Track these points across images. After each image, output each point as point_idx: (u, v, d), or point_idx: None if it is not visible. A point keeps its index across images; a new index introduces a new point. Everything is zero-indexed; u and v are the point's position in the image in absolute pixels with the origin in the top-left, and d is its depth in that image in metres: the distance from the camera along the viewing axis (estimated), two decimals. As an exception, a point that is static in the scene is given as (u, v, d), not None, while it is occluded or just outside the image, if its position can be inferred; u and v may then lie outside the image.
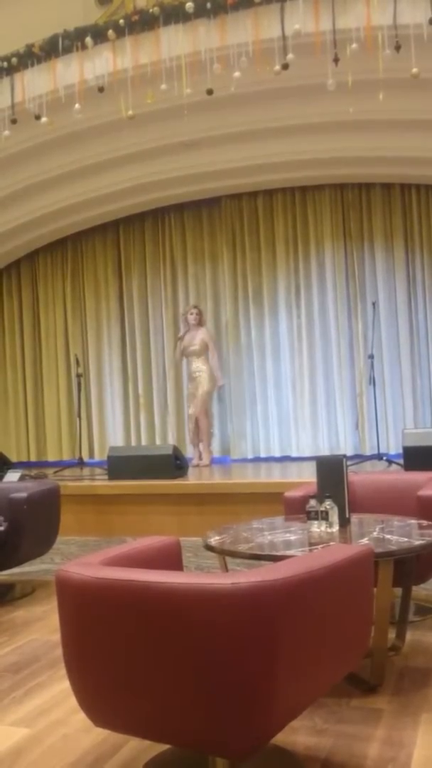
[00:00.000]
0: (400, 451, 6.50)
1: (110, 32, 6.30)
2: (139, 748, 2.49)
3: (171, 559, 2.71)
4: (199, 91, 6.06)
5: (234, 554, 3.14)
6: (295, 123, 6.97)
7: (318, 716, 2.64)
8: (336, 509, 3.30)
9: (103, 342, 9.45)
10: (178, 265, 9.16)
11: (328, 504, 3.29)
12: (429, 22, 5.50)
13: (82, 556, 2.45)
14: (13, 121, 6.60)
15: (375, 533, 3.25)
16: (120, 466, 6.87)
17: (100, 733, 2.58)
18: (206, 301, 8.96)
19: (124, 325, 9.38)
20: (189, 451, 8.24)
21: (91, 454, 9.27)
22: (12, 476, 6.45)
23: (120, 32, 6.29)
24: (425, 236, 8.26)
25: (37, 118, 6.51)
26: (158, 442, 8.93)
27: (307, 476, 5.86)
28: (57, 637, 3.54)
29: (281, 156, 7.58)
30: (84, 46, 6.40)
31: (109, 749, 2.50)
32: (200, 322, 8.08)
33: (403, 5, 5.62)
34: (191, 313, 8.06)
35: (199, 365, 7.98)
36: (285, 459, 8.45)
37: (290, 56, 5.72)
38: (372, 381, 7.50)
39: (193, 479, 6.78)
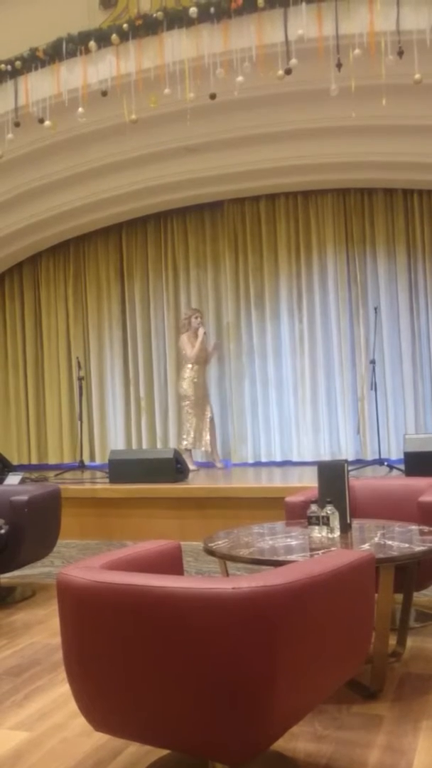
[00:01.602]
0: (402, 456, 6.49)
1: (114, 36, 6.32)
2: (138, 753, 2.48)
3: (172, 563, 2.71)
4: (202, 95, 6.08)
5: (235, 559, 3.13)
6: (298, 128, 6.98)
7: (318, 722, 2.64)
8: (337, 514, 3.29)
9: (104, 345, 9.45)
10: (180, 269, 9.16)
11: (329, 509, 3.28)
12: None
13: (82, 560, 2.45)
14: (17, 125, 6.61)
15: (376, 539, 3.25)
16: (121, 469, 6.87)
17: (100, 738, 2.57)
18: (208, 304, 8.96)
19: (126, 328, 9.39)
20: (197, 456, 8.38)
21: (92, 457, 9.27)
22: (13, 479, 6.44)
23: (124, 36, 6.30)
24: (427, 241, 8.26)
25: (41, 121, 6.53)
26: (159, 445, 8.92)
27: (308, 481, 5.85)
28: (57, 640, 3.54)
29: (284, 161, 7.59)
30: (88, 50, 6.42)
31: (108, 754, 2.50)
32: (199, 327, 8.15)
33: (406, 11, 5.64)
34: (195, 318, 8.08)
35: (204, 370, 8.05)
36: (286, 463, 8.44)
37: (293, 61, 5.74)
38: (373, 386, 7.50)
39: (194, 483, 6.77)
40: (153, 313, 9.27)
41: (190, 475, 7.09)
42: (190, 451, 7.91)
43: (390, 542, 3.15)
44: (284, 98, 6.52)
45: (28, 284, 9.81)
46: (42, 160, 7.46)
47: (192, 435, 7.95)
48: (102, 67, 6.42)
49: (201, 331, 7.99)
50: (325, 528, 3.28)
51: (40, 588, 4.82)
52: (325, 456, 8.16)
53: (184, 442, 7.96)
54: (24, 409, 9.73)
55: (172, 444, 8.67)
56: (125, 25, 6.30)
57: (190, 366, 8.01)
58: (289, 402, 8.60)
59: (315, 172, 7.90)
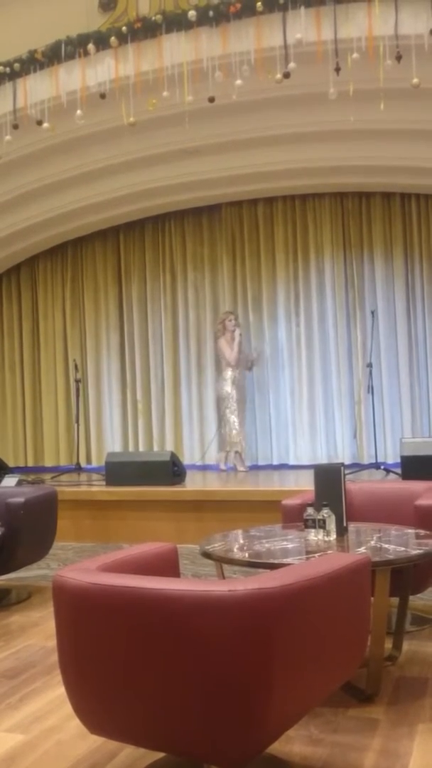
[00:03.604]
0: (398, 460, 6.49)
1: (113, 39, 6.32)
2: (134, 755, 2.48)
3: (168, 565, 2.71)
4: (200, 98, 6.09)
5: (231, 561, 3.13)
6: (296, 131, 7.00)
7: (314, 726, 2.63)
8: (333, 518, 3.29)
9: (101, 348, 9.45)
10: (177, 272, 9.17)
11: (325, 512, 3.28)
12: (430, 32, 5.53)
13: (78, 562, 2.45)
14: (15, 127, 6.62)
15: (372, 542, 3.25)
16: (117, 472, 6.86)
17: (95, 741, 2.56)
18: (205, 308, 8.97)
19: (123, 331, 9.39)
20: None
21: (89, 459, 9.26)
22: (9, 481, 6.44)
23: (122, 39, 6.31)
24: (425, 245, 8.28)
25: (39, 123, 6.53)
26: (156, 448, 8.92)
27: (304, 484, 5.84)
28: (53, 642, 3.52)
29: (282, 164, 7.61)
30: (86, 53, 6.43)
31: (103, 756, 2.49)
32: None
33: (405, 16, 5.65)
34: (230, 320, 8.08)
35: (242, 373, 8.02)
36: (283, 467, 8.44)
37: (292, 65, 5.75)
38: (370, 390, 7.50)
39: (190, 486, 6.77)
40: (150, 315, 9.27)
41: (188, 477, 7.07)
42: (239, 453, 7.92)
43: (386, 545, 3.15)
44: (282, 102, 6.53)
45: (26, 286, 9.80)
46: (40, 162, 7.46)
47: (237, 437, 7.92)
48: (101, 70, 6.43)
49: (237, 333, 8.03)
50: (321, 531, 3.27)
51: (36, 590, 4.81)
52: (322, 459, 8.16)
53: (235, 448, 7.95)
54: (21, 411, 9.72)
55: (169, 447, 8.67)
56: (124, 28, 6.31)
57: (231, 368, 7.98)
58: (286, 405, 8.60)
59: (313, 175, 7.91)
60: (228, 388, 7.98)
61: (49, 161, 7.45)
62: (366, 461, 7.96)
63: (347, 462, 7.91)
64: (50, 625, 3.87)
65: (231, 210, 8.89)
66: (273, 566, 2.81)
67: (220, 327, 8.20)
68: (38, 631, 3.95)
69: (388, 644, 3.19)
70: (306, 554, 3.06)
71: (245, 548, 3.25)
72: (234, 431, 7.93)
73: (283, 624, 1.95)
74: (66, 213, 8.39)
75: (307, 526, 3.32)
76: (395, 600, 3.35)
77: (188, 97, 6.07)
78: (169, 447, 8.66)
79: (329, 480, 3.44)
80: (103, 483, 7.00)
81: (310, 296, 8.59)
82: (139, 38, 6.29)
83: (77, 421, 8.70)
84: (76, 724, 2.58)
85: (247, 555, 3.11)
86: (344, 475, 3.48)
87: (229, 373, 8.00)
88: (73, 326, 9.53)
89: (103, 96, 6.33)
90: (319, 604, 2.12)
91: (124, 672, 2.04)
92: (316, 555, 2.95)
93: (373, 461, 7.49)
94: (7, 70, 6.74)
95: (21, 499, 4.50)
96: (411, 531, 3.48)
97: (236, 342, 7.99)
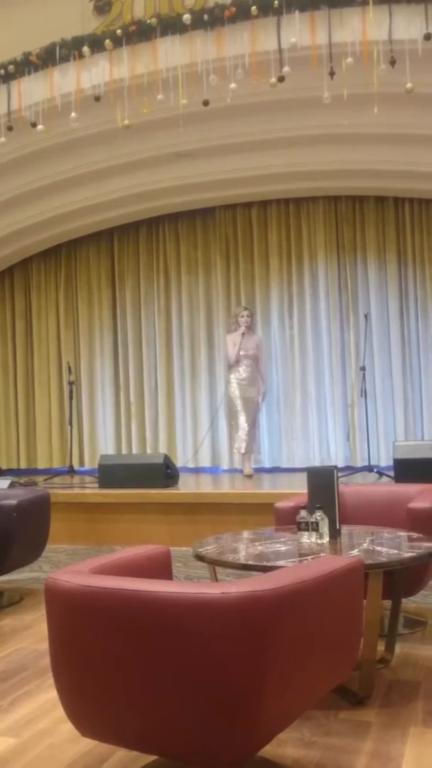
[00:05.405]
0: (391, 463, 6.51)
1: (108, 42, 6.34)
2: (125, 759, 2.47)
3: (161, 568, 2.71)
4: (195, 101, 6.10)
5: (224, 564, 3.13)
6: (291, 135, 7.01)
7: (306, 728, 2.63)
8: (326, 520, 3.30)
9: (95, 350, 9.44)
10: (171, 275, 9.17)
11: (318, 515, 3.29)
12: (424, 37, 5.56)
13: (71, 564, 2.44)
14: (9, 128, 6.62)
15: (365, 545, 3.25)
16: (111, 474, 6.85)
17: (87, 744, 2.56)
18: (199, 311, 8.97)
19: (117, 333, 9.38)
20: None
21: (82, 462, 9.24)
22: (2, 483, 6.42)
23: (117, 42, 6.32)
24: (417, 249, 8.31)
25: (34, 125, 6.53)
26: (149, 451, 8.91)
27: (297, 487, 5.84)
28: (45, 645, 3.52)
29: (276, 167, 7.62)
30: (81, 55, 6.44)
31: (95, 760, 2.49)
32: (251, 326, 7.76)
33: (399, 20, 5.68)
34: (242, 316, 7.64)
35: (252, 372, 7.61)
36: (276, 470, 8.44)
37: (286, 69, 5.76)
38: (363, 393, 7.52)
39: (183, 489, 6.77)
40: (144, 318, 9.26)
41: (181, 480, 7.07)
42: (247, 455, 7.58)
43: (379, 548, 3.15)
44: (277, 105, 6.55)
45: (19, 288, 9.79)
46: (34, 165, 7.46)
47: (243, 439, 7.49)
48: (95, 73, 6.43)
49: (239, 332, 7.52)
50: (314, 534, 3.28)
51: (28, 593, 4.80)
52: (315, 462, 8.16)
53: (238, 447, 7.60)
54: (14, 413, 9.69)
55: (162, 449, 8.66)
56: (119, 31, 6.32)
57: (234, 369, 7.56)
58: (279, 408, 8.61)
59: (307, 179, 7.93)
60: (231, 389, 7.60)
61: (44, 163, 7.45)
62: (359, 464, 7.97)
63: (340, 465, 7.92)
64: (42, 627, 3.87)
65: (225, 213, 8.89)
66: (266, 569, 2.81)
67: (232, 322, 7.82)
68: (30, 634, 3.94)
69: (381, 647, 3.20)
70: (299, 557, 3.07)
71: (238, 551, 3.25)
72: (243, 434, 7.52)
73: (276, 627, 1.95)
74: (60, 215, 8.38)
75: (300, 529, 3.33)
76: (388, 603, 3.35)
77: (183, 100, 6.08)
78: (163, 449, 8.65)
79: (322, 483, 3.44)
80: (96, 485, 6.98)
81: (303, 299, 8.61)
82: (134, 41, 6.31)
83: (70, 424, 8.68)
84: (67, 727, 2.57)
85: (239, 558, 3.11)
86: (337, 477, 3.48)
87: (231, 374, 7.59)
88: (67, 328, 9.52)
89: (97, 98, 6.34)
90: (312, 606, 2.12)
91: (116, 675, 2.04)
92: (309, 558, 2.95)
93: (366, 464, 7.50)
94: (2, 71, 6.75)
95: (13, 502, 4.49)
96: (404, 534, 3.48)
97: (238, 342, 7.47)
